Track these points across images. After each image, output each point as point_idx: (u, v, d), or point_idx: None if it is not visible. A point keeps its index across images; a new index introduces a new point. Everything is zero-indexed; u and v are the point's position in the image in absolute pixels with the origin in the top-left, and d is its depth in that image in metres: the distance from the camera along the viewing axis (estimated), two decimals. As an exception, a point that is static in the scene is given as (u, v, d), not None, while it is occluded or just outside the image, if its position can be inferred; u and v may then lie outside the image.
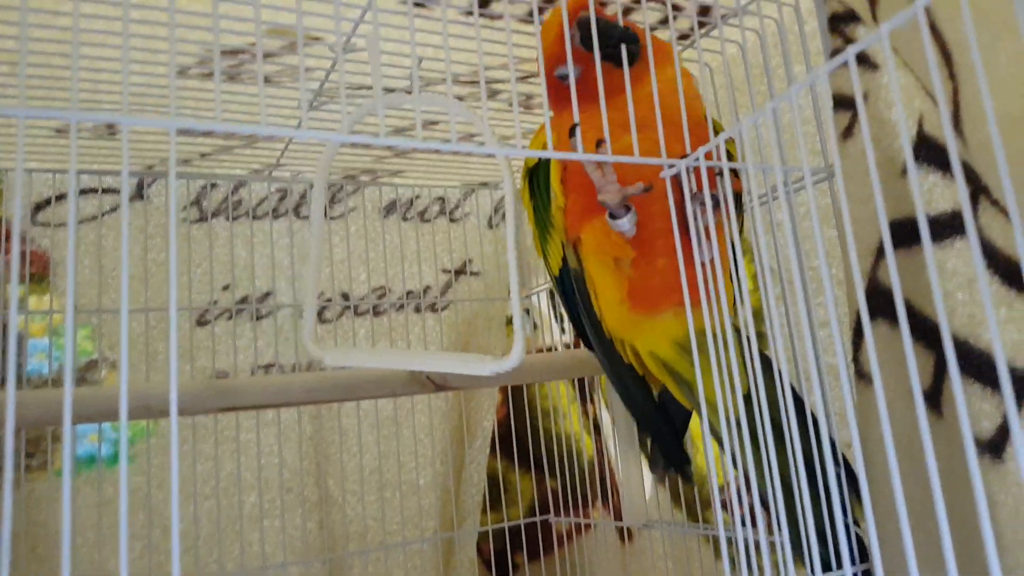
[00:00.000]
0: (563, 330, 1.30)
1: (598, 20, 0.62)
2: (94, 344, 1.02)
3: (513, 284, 0.82)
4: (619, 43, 0.61)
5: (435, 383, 0.96)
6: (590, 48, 0.57)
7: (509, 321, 1.34)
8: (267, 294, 1.12)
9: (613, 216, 0.65)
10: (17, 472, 0.94)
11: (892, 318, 0.60)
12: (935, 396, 0.60)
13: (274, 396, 0.85)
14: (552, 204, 0.72)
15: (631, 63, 0.61)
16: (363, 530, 1.10)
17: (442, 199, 1.27)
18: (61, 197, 1.03)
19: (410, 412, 1.17)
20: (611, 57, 0.63)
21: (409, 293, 1.22)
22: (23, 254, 0.98)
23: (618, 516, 1.20)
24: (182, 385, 0.82)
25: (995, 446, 0.53)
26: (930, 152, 0.59)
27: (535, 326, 1.35)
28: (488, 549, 1.24)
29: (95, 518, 0.97)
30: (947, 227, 0.57)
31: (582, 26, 0.66)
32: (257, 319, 1.11)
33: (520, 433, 1.28)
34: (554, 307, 1.31)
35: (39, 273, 1.01)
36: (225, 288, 1.10)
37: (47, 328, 0.99)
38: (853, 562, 0.58)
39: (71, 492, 0.98)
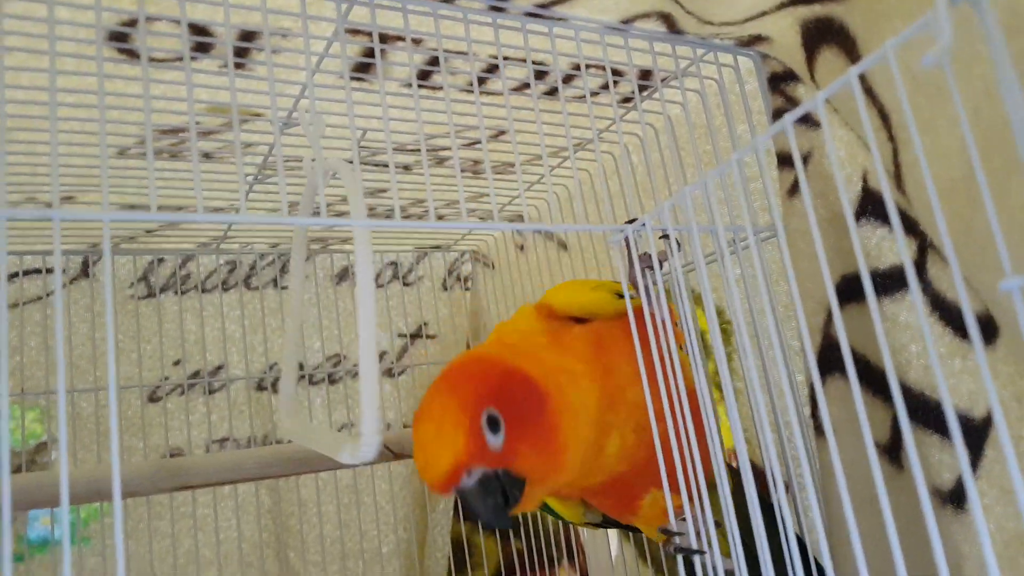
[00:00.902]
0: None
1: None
2: (43, 426, 1.00)
3: (363, 363, 0.82)
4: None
5: (393, 452, 0.96)
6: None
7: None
8: (219, 367, 1.12)
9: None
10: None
11: (846, 372, 0.62)
12: (894, 449, 0.61)
13: (228, 473, 0.84)
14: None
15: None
16: (326, 603, 1.08)
17: (395, 263, 1.29)
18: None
19: (370, 479, 1.16)
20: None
21: (365, 358, 1.22)
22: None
23: (584, 575, 1.20)
24: (134, 466, 0.81)
25: (957, 497, 0.55)
26: (876, 207, 0.61)
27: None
28: (456, 614, 1.22)
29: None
30: (899, 280, 0.59)
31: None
32: (210, 393, 1.10)
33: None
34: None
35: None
36: (176, 363, 1.10)
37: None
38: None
39: (19, 583, 0.95)
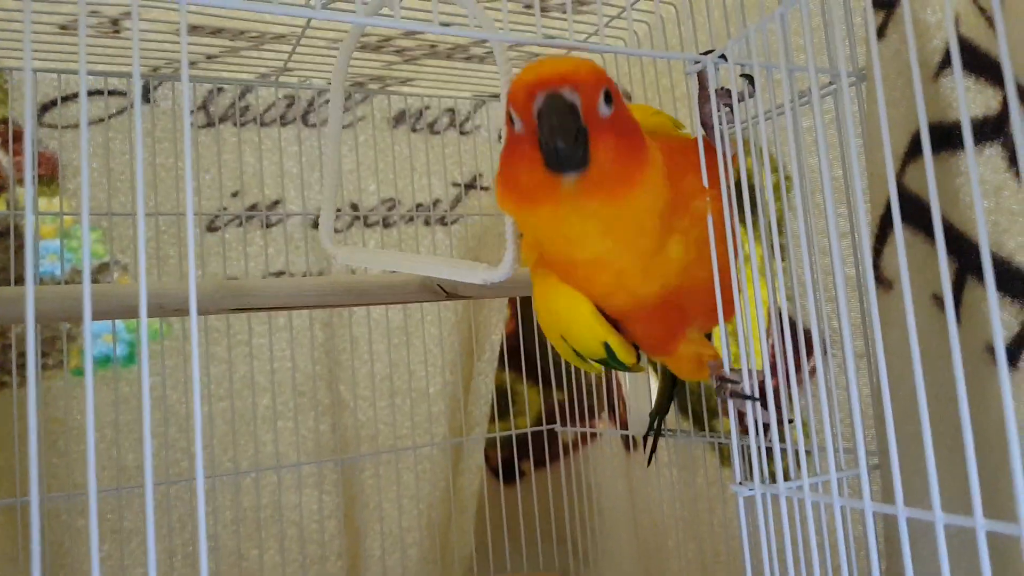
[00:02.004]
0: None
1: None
2: (105, 247, 1.02)
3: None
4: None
5: (445, 291, 0.96)
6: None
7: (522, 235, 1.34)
8: (276, 202, 1.12)
9: None
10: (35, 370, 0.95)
11: (915, 224, 0.60)
12: (955, 303, 0.60)
13: (286, 299, 0.86)
14: None
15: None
16: (374, 434, 1.13)
17: (452, 111, 1.25)
18: (67, 98, 1.02)
19: (420, 323, 1.18)
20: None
21: (419, 206, 1.21)
22: (32, 156, 0.98)
23: (624, 427, 1.23)
24: (196, 285, 0.82)
25: (1011, 354, 0.54)
26: (964, 54, 0.57)
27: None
28: (495, 456, 1.27)
29: (112, 415, 0.99)
30: (976, 134, 0.56)
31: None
32: (267, 227, 1.11)
33: (528, 347, 1.29)
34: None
35: (48, 175, 1.01)
36: (234, 195, 1.10)
37: (58, 230, 0.99)
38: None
39: (84, 393, 1.00)
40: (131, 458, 0.99)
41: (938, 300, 0.59)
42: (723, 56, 0.56)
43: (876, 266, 0.63)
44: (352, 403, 1.12)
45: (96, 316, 0.80)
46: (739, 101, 0.57)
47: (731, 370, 0.58)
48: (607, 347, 0.62)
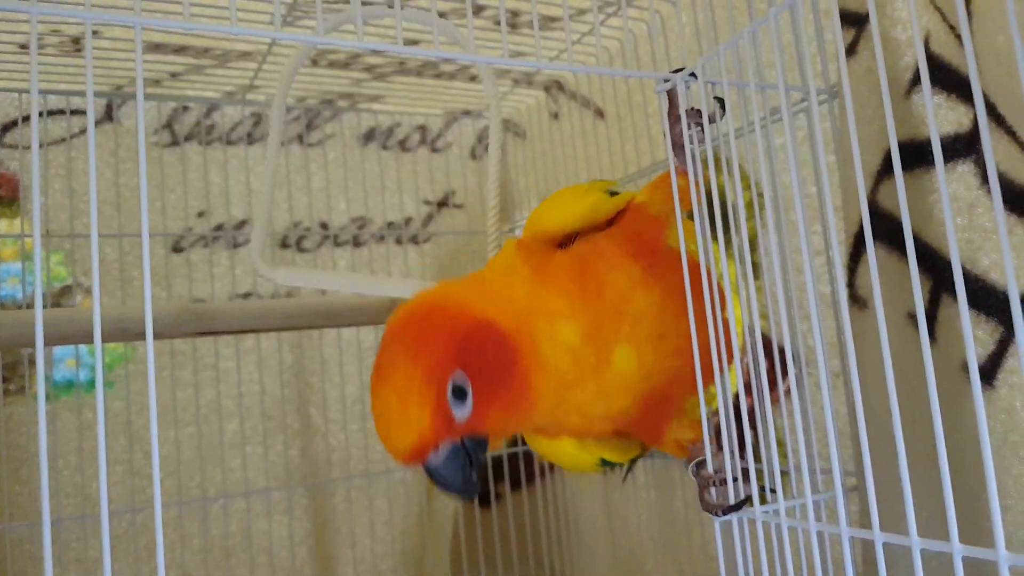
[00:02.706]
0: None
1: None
2: (68, 270, 1.00)
3: (490, 215, 0.80)
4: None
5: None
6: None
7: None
8: (243, 222, 1.10)
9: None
10: (-7, 397, 0.93)
11: (889, 242, 0.60)
12: (930, 321, 0.60)
13: (253, 321, 0.84)
14: None
15: None
16: (346, 458, 1.11)
17: (423, 128, 1.24)
18: (28, 118, 1.00)
19: (392, 343, 1.16)
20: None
21: (390, 224, 1.20)
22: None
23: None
24: (159, 308, 0.80)
25: (986, 373, 0.53)
26: (935, 72, 0.57)
27: (518, 258, 1.34)
28: (471, 479, 1.25)
29: (76, 442, 0.96)
30: (948, 151, 0.56)
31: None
32: (234, 247, 1.09)
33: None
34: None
35: (8, 196, 0.98)
36: (200, 215, 1.08)
37: (19, 252, 0.96)
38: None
39: (50, 416, 0.97)
40: (95, 486, 0.96)
41: (913, 318, 0.59)
42: (693, 74, 0.55)
43: (851, 284, 0.63)
44: (323, 427, 1.10)
45: (55, 341, 0.78)
46: (710, 123, 0.56)
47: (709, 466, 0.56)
48: (603, 461, 0.61)
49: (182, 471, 1.02)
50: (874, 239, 0.62)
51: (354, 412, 1.12)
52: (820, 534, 0.46)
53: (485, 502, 1.24)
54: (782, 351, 0.57)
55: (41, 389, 0.34)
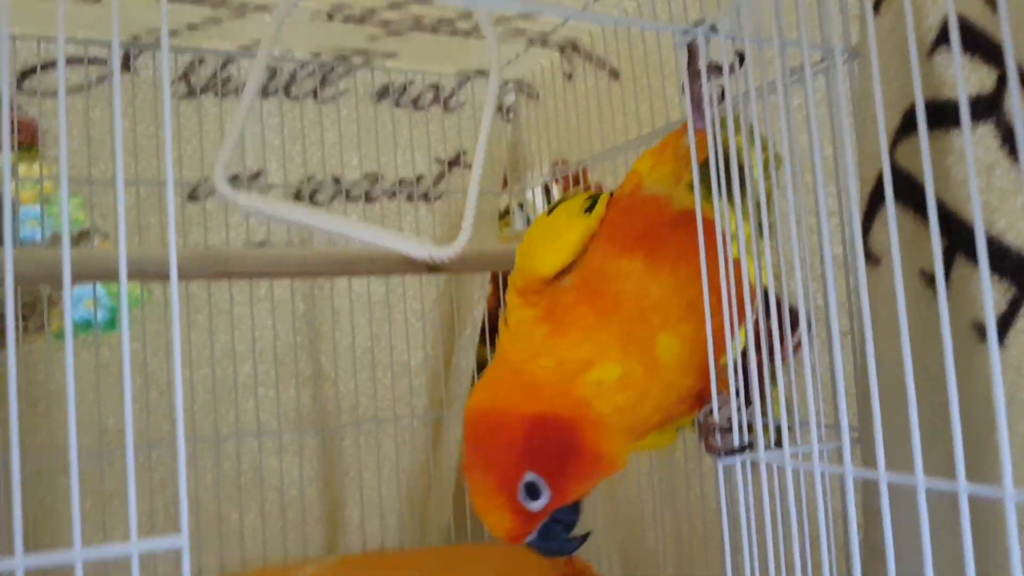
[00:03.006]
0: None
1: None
2: (86, 214, 1.02)
3: (475, 168, 0.79)
4: None
5: (427, 264, 0.97)
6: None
7: (503, 214, 1.35)
8: (258, 173, 1.12)
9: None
10: (15, 333, 0.95)
11: (904, 201, 0.61)
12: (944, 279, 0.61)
13: (267, 266, 0.86)
14: None
15: None
16: (355, 405, 1.13)
17: (436, 87, 1.25)
18: (47, 65, 1.01)
19: (402, 297, 1.18)
20: None
21: (402, 181, 1.21)
22: (11, 122, 0.97)
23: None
24: (177, 251, 0.82)
25: (999, 332, 0.55)
26: (959, 33, 0.58)
27: (528, 221, 1.35)
28: (475, 432, 1.28)
29: (94, 380, 0.99)
30: (970, 112, 0.57)
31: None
32: (250, 197, 1.11)
33: (509, 323, 1.30)
34: (548, 202, 1.31)
35: (27, 142, 1.00)
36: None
37: (38, 196, 0.98)
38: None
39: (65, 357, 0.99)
40: (112, 421, 0.99)
41: (925, 276, 0.60)
42: (713, 27, 0.56)
43: (864, 242, 0.64)
44: (333, 374, 1.13)
45: (76, 280, 0.80)
46: (730, 73, 0.56)
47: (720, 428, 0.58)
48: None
49: (196, 411, 1.05)
50: (894, 197, 0.63)
51: (363, 361, 1.14)
52: (824, 477, 0.47)
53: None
54: (793, 311, 0.58)
55: (68, 327, 0.36)
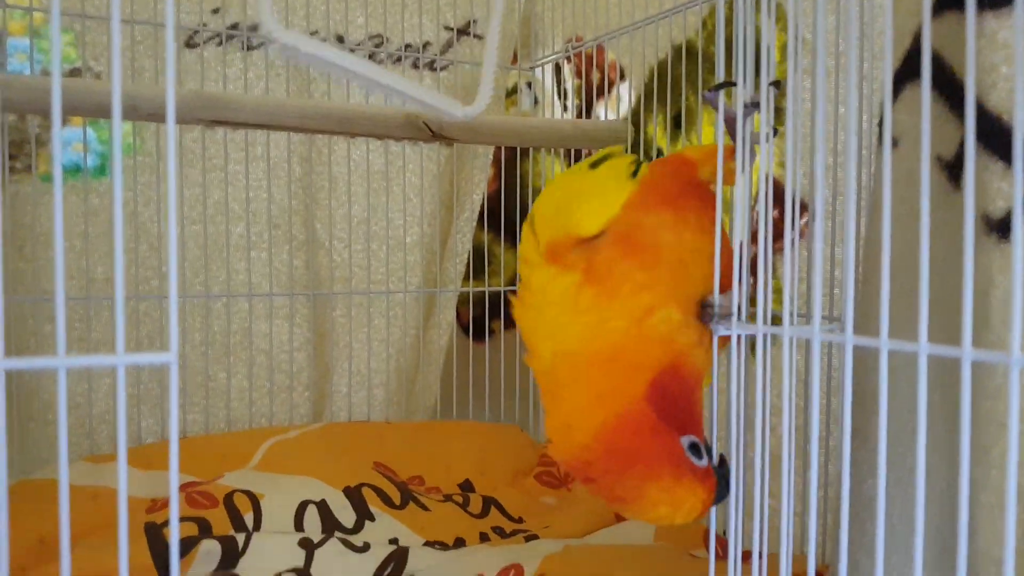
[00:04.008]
0: (565, 108, 1.26)
1: None
2: (77, 52, 0.97)
3: (494, 19, 0.75)
4: None
5: (431, 129, 0.93)
6: None
7: (510, 93, 1.30)
8: (256, 26, 1.07)
9: None
10: (1, 173, 0.92)
11: (931, 83, 0.58)
12: (956, 167, 0.59)
13: (266, 116, 0.83)
14: None
15: None
16: (348, 275, 1.12)
17: (449, -50, 1.18)
18: None
19: (401, 170, 1.15)
20: None
21: (407, 46, 1.16)
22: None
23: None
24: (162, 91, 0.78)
25: (1004, 226, 0.53)
26: None
27: (536, 101, 1.31)
28: (467, 313, 1.28)
29: (82, 226, 0.97)
30: None
31: None
32: (248, 49, 1.06)
33: (509, 208, 1.27)
34: (558, 82, 1.27)
35: (16, -32, 0.94)
36: (215, 11, 1.04)
37: (27, 28, 0.93)
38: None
39: (53, 200, 0.97)
40: (100, 270, 0.98)
41: (940, 162, 0.58)
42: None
43: (882, 123, 0.62)
44: (328, 243, 1.11)
45: (69, 112, 0.77)
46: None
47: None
48: None
49: (187, 267, 1.03)
50: (914, 78, 0.60)
51: (358, 232, 1.12)
52: (823, 346, 0.47)
53: (479, 336, 1.28)
54: (795, 200, 0.57)
55: (58, 162, 0.34)
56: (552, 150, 1.26)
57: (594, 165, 0.60)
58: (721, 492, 0.53)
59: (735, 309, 0.55)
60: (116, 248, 0.37)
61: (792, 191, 0.53)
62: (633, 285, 0.54)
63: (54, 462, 0.96)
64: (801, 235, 0.79)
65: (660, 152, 1.00)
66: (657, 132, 1.00)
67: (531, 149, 1.26)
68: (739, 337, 0.54)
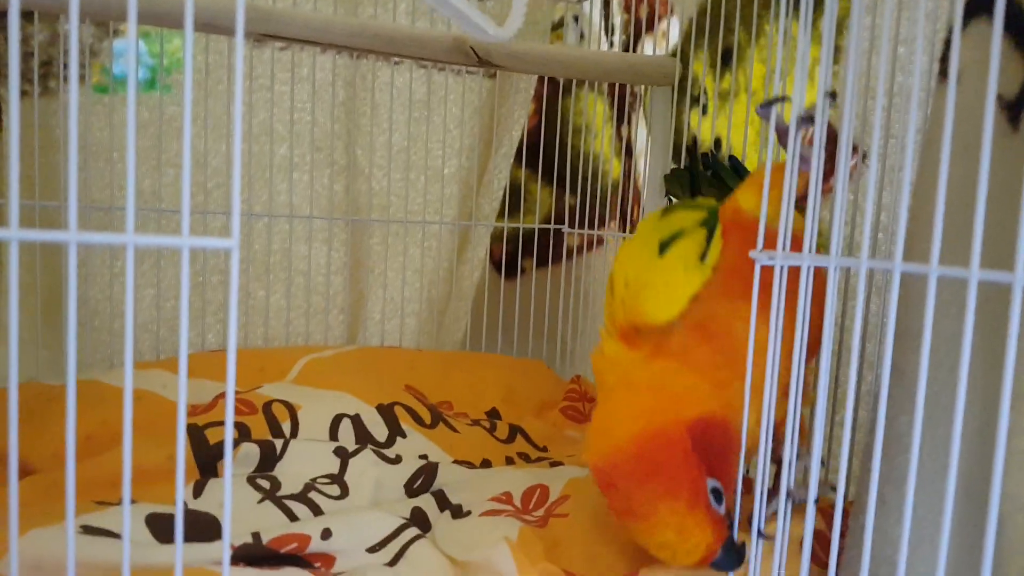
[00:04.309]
0: (611, 44, 1.25)
1: None
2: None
3: None
4: None
5: (477, 55, 0.93)
6: None
7: (556, 26, 1.29)
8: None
9: None
10: (55, 81, 0.94)
11: (992, 17, 0.57)
12: (1017, 106, 0.58)
13: (314, 32, 0.83)
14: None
15: None
16: (386, 203, 1.13)
17: None
18: None
19: (443, 100, 1.15)
20: None
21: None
22: None
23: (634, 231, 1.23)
24: (218, 3, 0.78)
25: None
26: None
27: (582, 36, 1.29)
28: (499, 250, 1.29)
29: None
30: None
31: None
32: (298, -31, 1.05)
33: (548, 146, 1.27)
34: (606, 17, 1.25)
35: None
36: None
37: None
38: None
39: (107, 110, 0.98)
40: (147, 183, 0.99)
41: (1001, 102, 0.57)
42: None
43: (944, 59, 0.61)
44: (367, 169, 1.12)
45: (124, 20, 0.77)
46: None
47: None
48: None
49: (231, 185, 1.04)
50: (980, 13, 0.59)
51: (398, 161, 1.13)
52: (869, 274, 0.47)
53: (511, 273, 1.29)
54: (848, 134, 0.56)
55: (132, 66, 0.34)
56: (596, 87, 1.25)
57: (664, 245, 0.60)
58: (728, 551, 0.53)
59: (780, 246, 0.55)
60: (185, 134, 0.38)
61: (847, 124, 0.52)
62: (708, 365, 0.56)
63: (98, 366, 0.99)
64: (850, 176, 0.78)
65: (705, 107, 0.99)
66: (705, 70, 0.99)
67: (573, 85, 1.25)
68: (781, 269, 0.55)
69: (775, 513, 0.54)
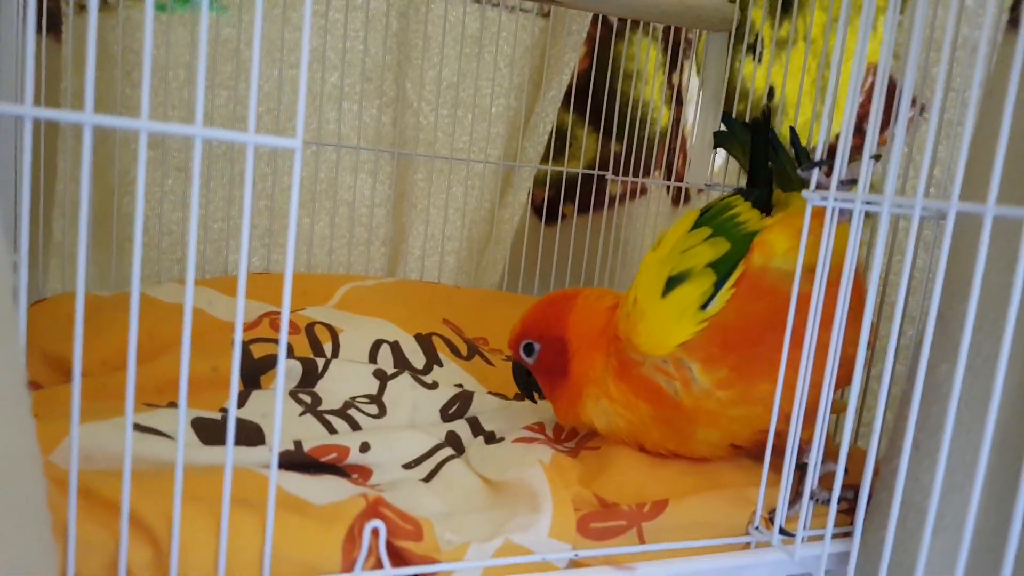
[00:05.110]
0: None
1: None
2: None
3: None
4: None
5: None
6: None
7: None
8: None
9: None
10: (115, -4, 0.94)
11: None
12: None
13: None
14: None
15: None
16: (432, 139, 1.13)
17: None
18: None
19: (495, 37, 1.14)
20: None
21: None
22: None
23: (680, 180, 1.22)
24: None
25: None
26: None
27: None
28: (541, 195, 1.28)
29: (187, 57, 0.99)
30: None
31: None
32: None
33: (597, 91, 1.25)
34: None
35: None
36: None
37: None
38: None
39: (164, 28, 0.99)
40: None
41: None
42: None
43: (1015, 7, 0.59)
44: (416, 103, 1.12)
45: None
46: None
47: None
48: None
49: (281, 110, 1.05)
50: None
51: (446, 96, 1.13)
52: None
53: (551, 219, 1.29)
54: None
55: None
56: (650, 32, 1.23)
57: (671, 283, 0.62)
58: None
59: (836, 178, 0.54)
60: (255, 27, 0.39)
61: (910, 75, 0.51)
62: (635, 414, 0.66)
63: (145, 281, 1.02)
64: (909, 124, 0.77)
65: (760, 55, 0.97)
66: (764, 16, 0.96)
67: (627, 30, 1.23)
68: (833, 211, 0.54)
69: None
